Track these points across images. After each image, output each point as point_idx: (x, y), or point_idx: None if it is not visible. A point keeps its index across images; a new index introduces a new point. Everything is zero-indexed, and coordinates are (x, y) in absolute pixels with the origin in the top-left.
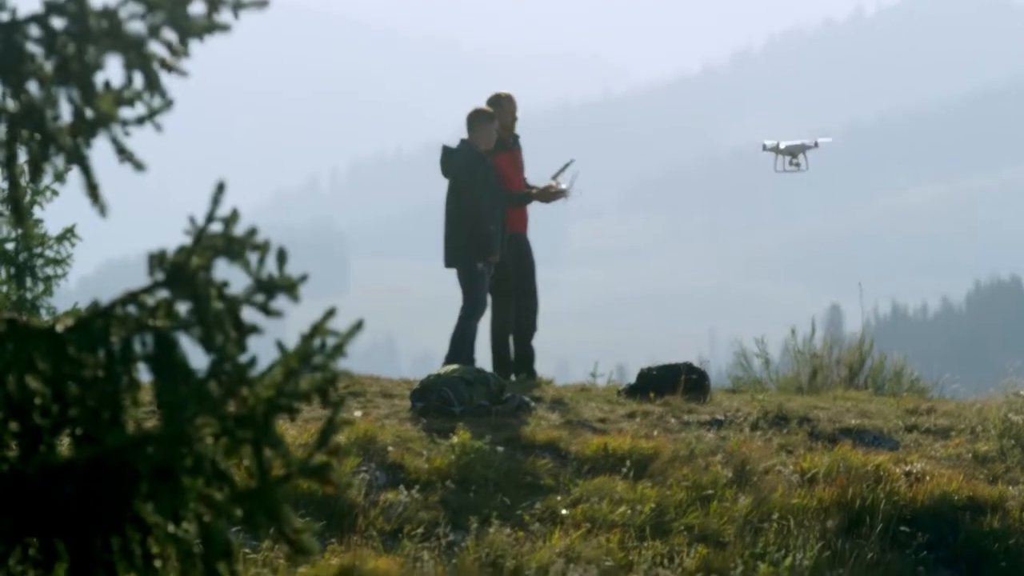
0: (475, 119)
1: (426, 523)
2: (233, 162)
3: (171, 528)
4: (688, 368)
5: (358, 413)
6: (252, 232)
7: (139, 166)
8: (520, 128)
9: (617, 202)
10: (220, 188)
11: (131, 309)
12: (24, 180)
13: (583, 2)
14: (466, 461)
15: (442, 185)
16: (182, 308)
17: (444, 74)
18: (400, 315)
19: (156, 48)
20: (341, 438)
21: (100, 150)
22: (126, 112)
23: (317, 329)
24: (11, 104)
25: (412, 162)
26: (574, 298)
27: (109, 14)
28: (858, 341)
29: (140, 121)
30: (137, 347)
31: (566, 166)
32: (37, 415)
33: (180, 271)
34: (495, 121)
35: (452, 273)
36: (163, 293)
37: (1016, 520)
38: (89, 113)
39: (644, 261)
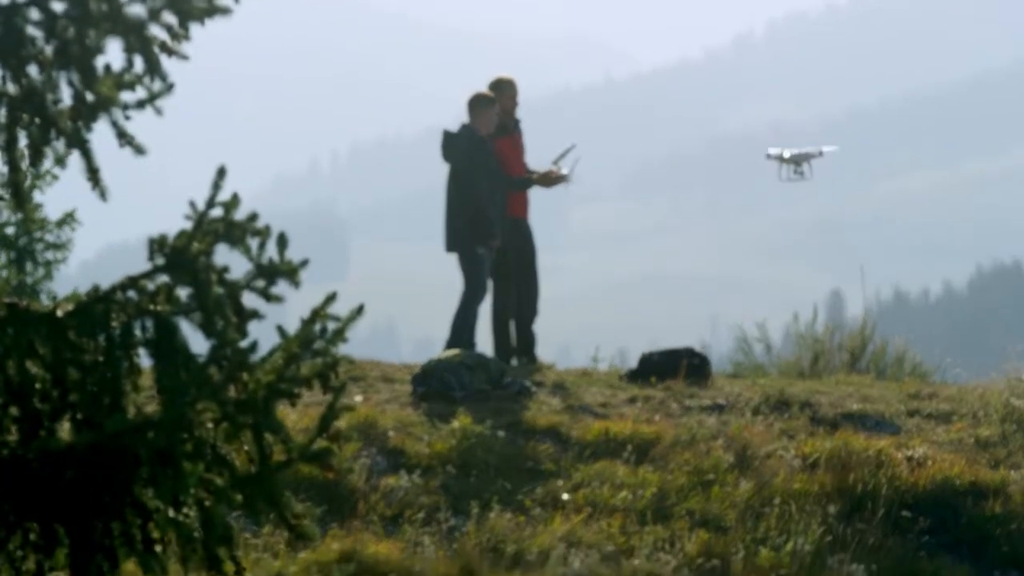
0: (476, 103)
1: (427, 508)
2: (233, 146)
3: (171, 513)
4: (689, 353)
5: (359, 398)
6: (253, 217)
7: (139, 150)
8: (521, 112)
9: (618, 187)
10: (221, 173)
11: (131, 294)
12: (24, 164)
13: None
14: (467, 446)
15: (443, 170)
16: (182, 293)
17: (445, 58)
18: (401, 300)
19: (156, 31)
20: (342, 423)
21: (99, 133)
22: (126, 96)
23: (318, 314)
24: (11, 88)
25: (413, 146)
26: (575, 283)
27: None
28: (860, 326)
29: (140, 105)
30: (137, 332)
31: (567, 151)
32: (37, 400)
33: (180, 256)
34: (496, 105)
35: (453, 258)
36: (163, 278)
37: (1018, 505)
38: (90, 97)
39: (645, 246)
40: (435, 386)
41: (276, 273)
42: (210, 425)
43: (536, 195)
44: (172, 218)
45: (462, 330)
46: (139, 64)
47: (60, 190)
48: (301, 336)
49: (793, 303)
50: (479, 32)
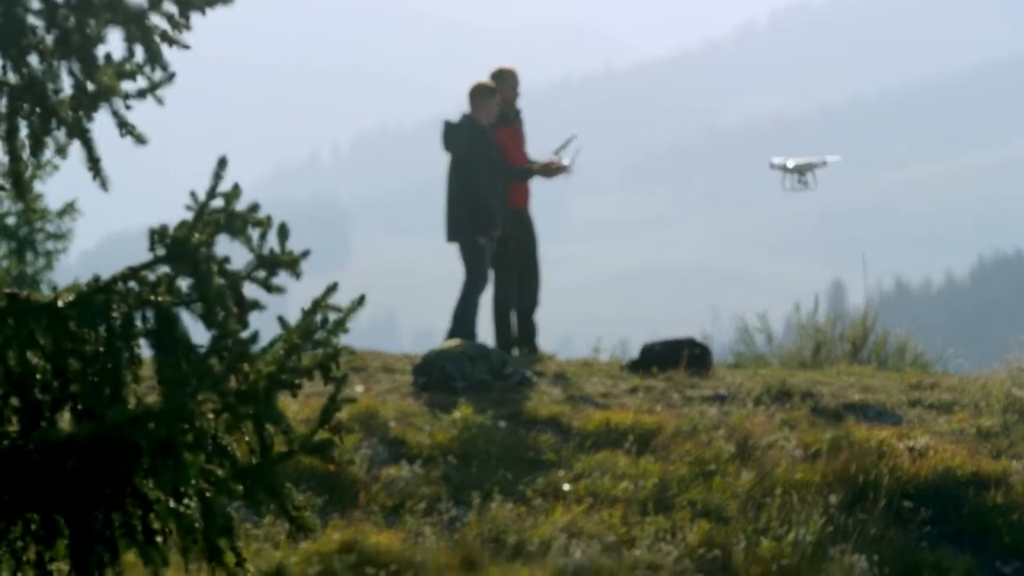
0: (477, 93)
1: (428, 498)
2: (234, 136)
3: (172, 504)
4: (691, 343)
5: (360, 388)
6: (254, 208)
7: (140, 139)
8: (522, 103)
9: (619, 177)
10: (222, 163)
11: (132, 284)
12: (25, 154)
13: None
14: (468, 436)
15: (444, 160)
16: (183, 284)
17: (446, 48)
18: (401, 290)
19: (157, 21)
20: (343, 414)
21: (100, 123)
22: (127, 85)
23: (319, 304)
24: (12, 77)
25: (414, 136)
26: (576, 273)
27: None
28: (861, 316)
29: (141, 94)
30: (138, 322)
31: (568, 141)
32: (38, 390)
33: (181, 246)
34: (497, 95)
35: (454, 248)
36: (164, 268)
37: (1020, 495)
38: (90, 86)
39: (646, 236)
40: (436, 376)
41: (277, 264)
42: (211, 416)
43: (537, 185)
44: (173, 208)
45: (463, 320)
46: (140, 53)
47: (61, 180)
48: (302, 327)
49: (794, 294)
50: (480, 22)
